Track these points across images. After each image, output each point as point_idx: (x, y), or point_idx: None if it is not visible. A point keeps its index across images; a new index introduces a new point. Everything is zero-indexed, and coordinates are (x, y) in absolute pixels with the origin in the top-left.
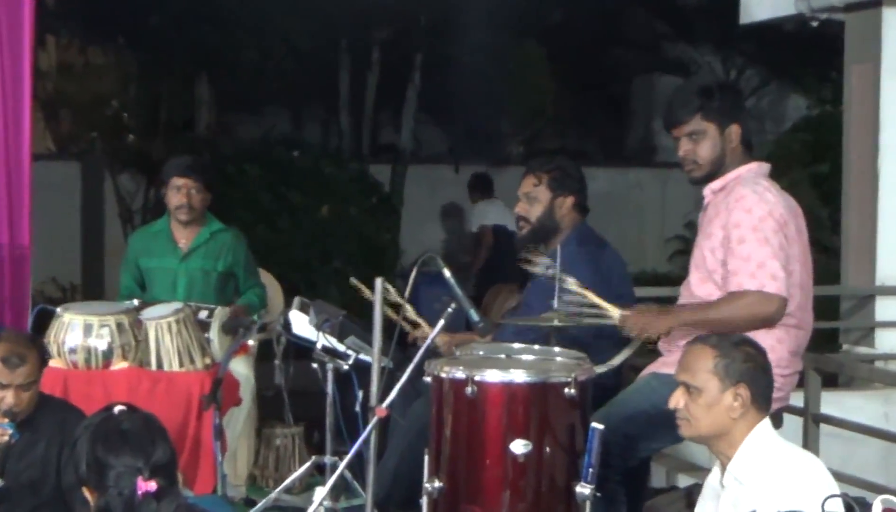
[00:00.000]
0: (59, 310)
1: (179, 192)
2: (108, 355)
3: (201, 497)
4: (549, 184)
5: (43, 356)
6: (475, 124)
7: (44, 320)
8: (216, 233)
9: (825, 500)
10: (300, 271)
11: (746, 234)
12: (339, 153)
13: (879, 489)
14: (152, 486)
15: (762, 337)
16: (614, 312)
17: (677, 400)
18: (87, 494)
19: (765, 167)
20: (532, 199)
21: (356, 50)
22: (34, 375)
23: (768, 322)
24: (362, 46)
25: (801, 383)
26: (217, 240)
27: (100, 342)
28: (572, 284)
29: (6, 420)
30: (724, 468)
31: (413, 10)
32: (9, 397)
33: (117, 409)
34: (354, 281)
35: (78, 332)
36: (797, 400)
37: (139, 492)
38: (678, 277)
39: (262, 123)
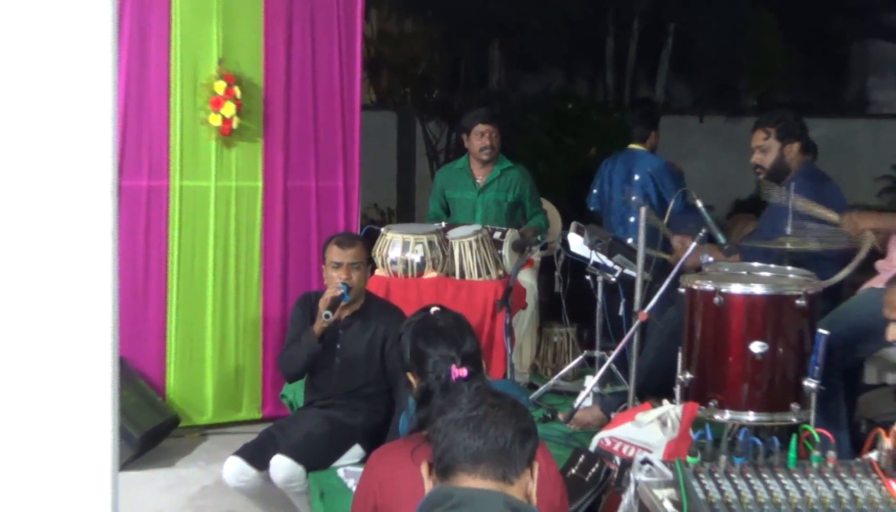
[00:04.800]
0: (383, 229)
1: (483, 136)
2: (421, 267)
3: (494, 381)
4: (776, 135)
5: (367, 251)
6: (717, 81)
7: (370, 238)
8: (506, 170)
9: None
10: (572, 201)
11: None
12: (605, 104)
13: None
14: (464, 372)
15: None
16: (835, 216)
17: (892, 334)
18: (410, 378)
19: None
20: (765, 150)
21: (620, 20)
22: (360, 258)
23: None
24: (625, 17)
25: None
26: (507, 176)
27: (415, 256)
28: (802, 202)
29: (342, 283)
30: None
31: None
32: (342, 271)
33: (433, 309)
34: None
35: (398, 247)
36: None
37: (453, 377)
38: (886, 210)
39: (542, 80)
